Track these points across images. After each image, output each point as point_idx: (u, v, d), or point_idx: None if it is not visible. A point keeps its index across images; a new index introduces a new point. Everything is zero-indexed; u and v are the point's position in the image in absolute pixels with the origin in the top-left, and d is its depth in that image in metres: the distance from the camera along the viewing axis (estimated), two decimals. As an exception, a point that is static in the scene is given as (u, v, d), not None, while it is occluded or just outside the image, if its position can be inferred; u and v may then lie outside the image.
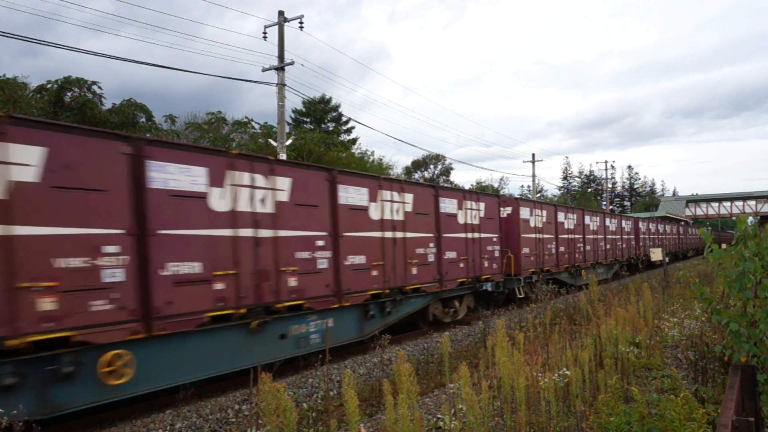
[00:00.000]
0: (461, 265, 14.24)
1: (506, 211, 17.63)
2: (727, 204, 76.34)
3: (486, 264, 15.47)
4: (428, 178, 63.42)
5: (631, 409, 5.09)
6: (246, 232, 8.73)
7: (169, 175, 7.76)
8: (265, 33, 22.56)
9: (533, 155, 49.93)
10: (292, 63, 22.03)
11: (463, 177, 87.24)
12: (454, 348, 11.39)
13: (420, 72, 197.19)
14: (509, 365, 5.35)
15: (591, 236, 24.33)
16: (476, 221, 15.15)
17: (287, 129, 32.16)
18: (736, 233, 4.91)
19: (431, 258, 13.15)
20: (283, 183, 9.50)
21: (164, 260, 7.53)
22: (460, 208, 14.48)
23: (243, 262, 8.60)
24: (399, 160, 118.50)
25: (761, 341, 4.63)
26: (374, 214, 11.42)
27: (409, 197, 12.60)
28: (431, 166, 65.21)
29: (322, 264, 10.08)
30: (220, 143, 32.89)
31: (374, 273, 11.28)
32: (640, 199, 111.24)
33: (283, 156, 21.68)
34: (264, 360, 8.56)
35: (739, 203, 75.07)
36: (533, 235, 18.45)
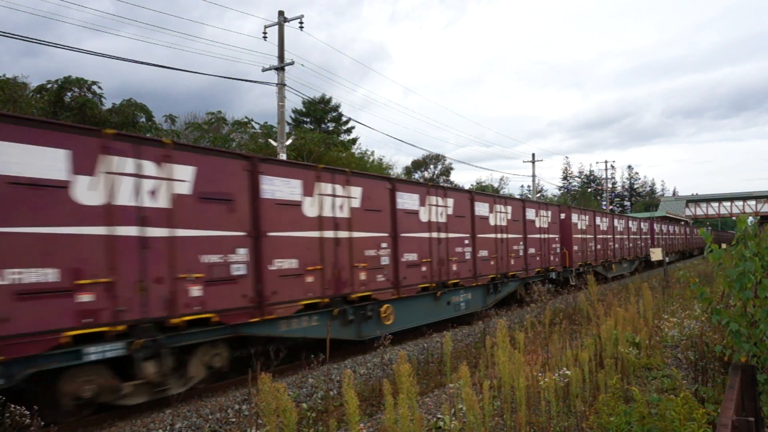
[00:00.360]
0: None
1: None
2: (727, 204, 76.33)
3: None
4: (428, 178, 63.41)
5: (631, 409, 5.09)
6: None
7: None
8: (265, 33, 22.56)
9: (533, 155, 49.95)
10: (291, 63, 22.03)
11: (463, 177, 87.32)
12: (454, 348, 11.38)
13: (420, 72, 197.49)
14: (509, 365, 5.35)
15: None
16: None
17: (287, 129, 32.15)
18: (736, 233, 4.90)
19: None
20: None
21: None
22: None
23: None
24: (399, 160, 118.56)
25: (761, 341, 4.63)
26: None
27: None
28: (431, 166, 65.22)
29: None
30: (219, 143, 32.89)
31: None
32: (640, 199, 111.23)
33: (283, 156, 21.68)
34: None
35: (739, 203, 75.06)
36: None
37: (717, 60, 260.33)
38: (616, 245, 28.68)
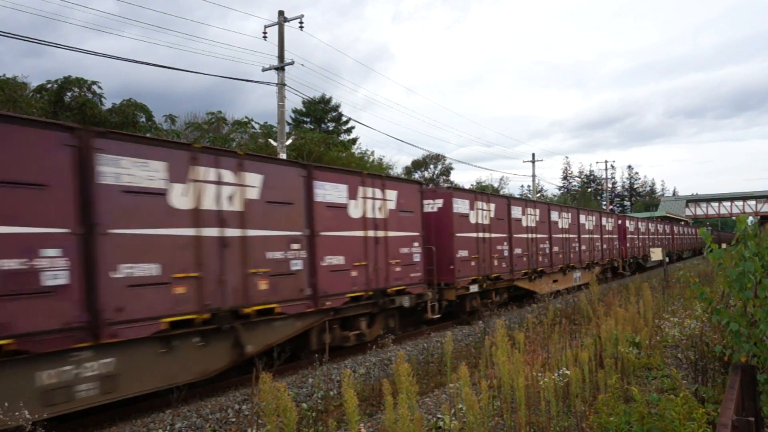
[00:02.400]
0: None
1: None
2: (727, 204, 76.30)
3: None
4: (428, 178, 63.43)
5: (631, 408, 5.09)
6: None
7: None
8: (265, 33, 22.55)
9: (533, 155, 49.95)
10: (291, 63, 22.02)
11: (463, 177, 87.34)
12: (453, 348, 11.36)
13: (422, 72, 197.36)
14: (509, 365, 5.35)
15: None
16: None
17: (287, 129, 32.15)
18: (736, 233, 4.90)
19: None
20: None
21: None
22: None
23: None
24: (400, 160, 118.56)
25: (761, 341, 4.63)
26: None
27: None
28: (431, 166, 65.22)
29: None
30: (219, 143, 32.88)
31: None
32: (640, 199, 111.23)
33: (283, 155, 21.68)
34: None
35: (739, 203, 75.04)
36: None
37: (719, 59, 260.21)
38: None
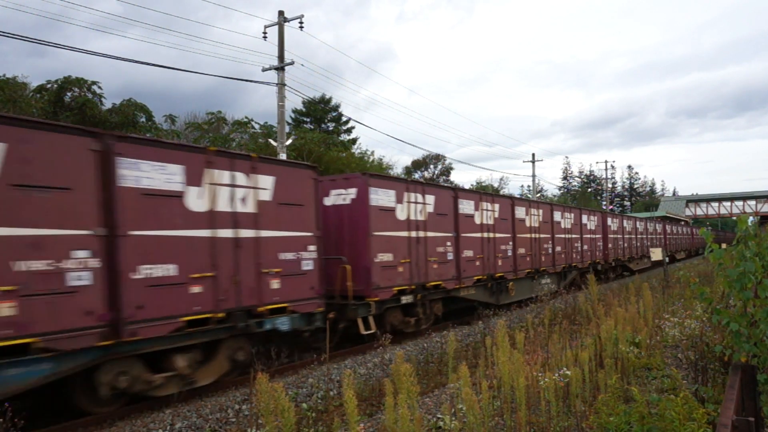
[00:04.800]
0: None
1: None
2: (727, 204, 76.31)
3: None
4: (428, 178, 63.44)
5: (631, 408, 5.08)
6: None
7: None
8: (265, 33, 22.54)
9: (533, 155, 49.95)
10: (291, 63, 22.01)
11: (463, 177, 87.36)
12: (454, 348, 11.36)
13: (425, 72, 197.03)
14: (509, 365, 5.35)
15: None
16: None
17: (287, 129, 32.14)
18: (736, 233, 4.90)
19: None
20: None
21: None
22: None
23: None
24: (400, 160, 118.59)
25: (761, 341, 4.62)
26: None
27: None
28: (431, 166, 65.21)
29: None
30: (219, 143, 32.87)
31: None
32: (640, 199, 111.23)
33: (282, 155, 21.67)
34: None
35: (739, 203, 75.05)
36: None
37: (721, 59, 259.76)
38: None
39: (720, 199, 77.86)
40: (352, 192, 11.68)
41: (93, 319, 6.81)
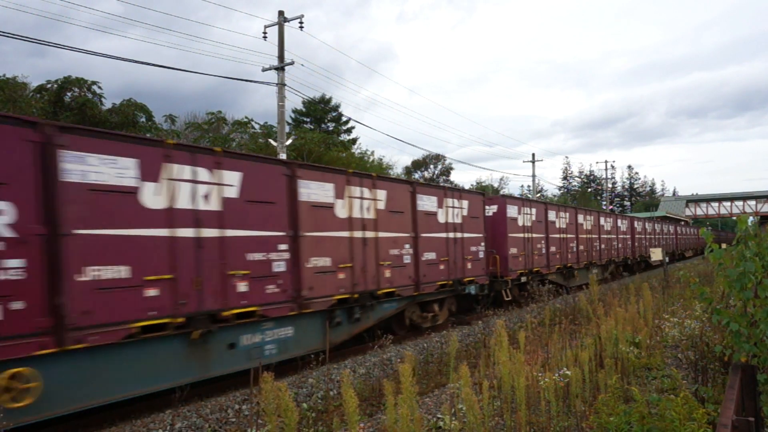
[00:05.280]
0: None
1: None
2: (727, 204, 76.31)
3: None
4: (428, 178, 63.44)
5: (631, 409, 5.08)
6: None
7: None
8: (265, 33, 22.55)
9: (533, 155, 49.97)
10: (291, 63, 22.02)
11: (463, 177, 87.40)
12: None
13: (426, 72, 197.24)
14: (509, 365, 5.35)
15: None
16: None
17: (287, 129, 32.15)
18: (736, 233, 4.90)
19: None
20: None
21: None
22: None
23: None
24: (400, 160, 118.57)
25: (761, 341, 4.63)
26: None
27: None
28: (431, 166, 65.22)
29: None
30: (219, 143, 32.88)
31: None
32: (640, 199, 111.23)
33: (283, 156, 21.68)
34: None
35: (739, 203, 75.04)
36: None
37: (722, 59, 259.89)
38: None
39: (720, 199, 77.85)
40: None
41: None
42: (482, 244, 15.96)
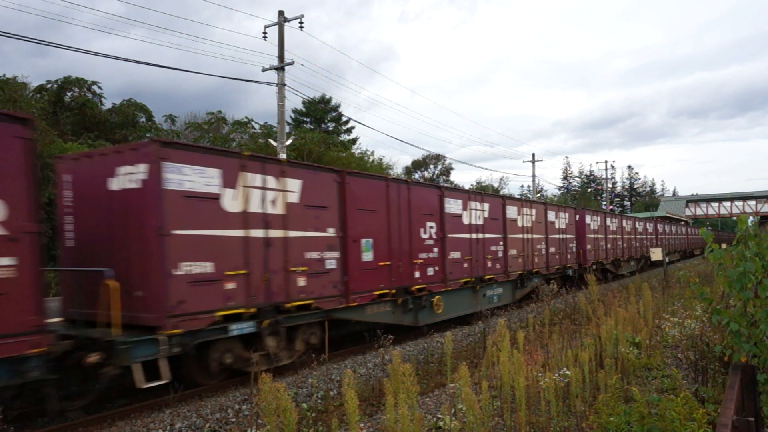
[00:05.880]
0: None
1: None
2: (727, 204, 76.32)
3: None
4: (428, 178, 63.45)
5: (631, 408, 5.09)
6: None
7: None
8: (265, 33, 22.54)
9: (533, 155, 49.96)
10: (291, 63, 22.01)
11: (463, 177, 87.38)
12: (453, 348, 11.36)
13: (427, 72, 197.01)
14: (509, 365, 5.35)
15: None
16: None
17: (287, 129, 32.14)
18: (736, 233, 4.90)
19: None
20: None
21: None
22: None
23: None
24: (400, 160, 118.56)
25: (761, 341, 4.63)
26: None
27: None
28: (431, 166, 65.21)
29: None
30: (219, 143, 32.89)
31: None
32: (640, 199, 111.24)
33: (283, 155, 21.67)
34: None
35: (739, 203, 75.06)
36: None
37: (723, 58, 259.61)
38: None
39: (720, 199, 77.86)
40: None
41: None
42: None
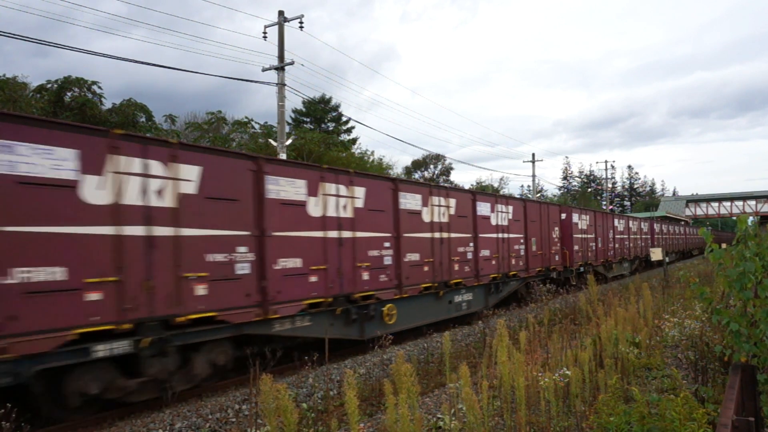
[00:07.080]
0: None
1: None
2: (727, 204, 76.32)
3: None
4: (428, 178, 63.44)
5: (631, 409, 5.09)
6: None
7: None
8: (265, 33, 22.54)
9: (533, 155, 49.98)
10: (291, 63, 22.01)
11: (464, 177, 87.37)
12: (453, 348, 11.37)
13: (428, 72, 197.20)
14: (509, 365, 5.35)
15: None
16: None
17: (287, 129, 32.14)
18: (736, 233, 4.91)
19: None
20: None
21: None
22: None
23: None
24: (400, 160, 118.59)
25: (761, 341, 4.63)
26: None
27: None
28: (431, 166, 65.21)
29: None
30: (219, 143, 32.89)
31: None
32: (640, 199, 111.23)
33: (283, 156, 21.68)
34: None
35: (739, 203, 75.06)
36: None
37: (724, 58, 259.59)
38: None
39: (720, 199, 77.86)
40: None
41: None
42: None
